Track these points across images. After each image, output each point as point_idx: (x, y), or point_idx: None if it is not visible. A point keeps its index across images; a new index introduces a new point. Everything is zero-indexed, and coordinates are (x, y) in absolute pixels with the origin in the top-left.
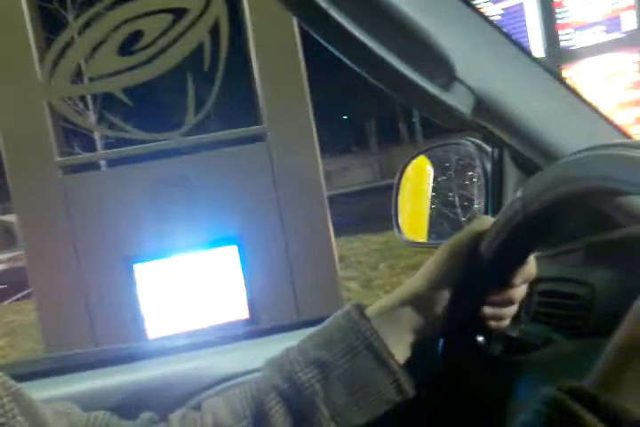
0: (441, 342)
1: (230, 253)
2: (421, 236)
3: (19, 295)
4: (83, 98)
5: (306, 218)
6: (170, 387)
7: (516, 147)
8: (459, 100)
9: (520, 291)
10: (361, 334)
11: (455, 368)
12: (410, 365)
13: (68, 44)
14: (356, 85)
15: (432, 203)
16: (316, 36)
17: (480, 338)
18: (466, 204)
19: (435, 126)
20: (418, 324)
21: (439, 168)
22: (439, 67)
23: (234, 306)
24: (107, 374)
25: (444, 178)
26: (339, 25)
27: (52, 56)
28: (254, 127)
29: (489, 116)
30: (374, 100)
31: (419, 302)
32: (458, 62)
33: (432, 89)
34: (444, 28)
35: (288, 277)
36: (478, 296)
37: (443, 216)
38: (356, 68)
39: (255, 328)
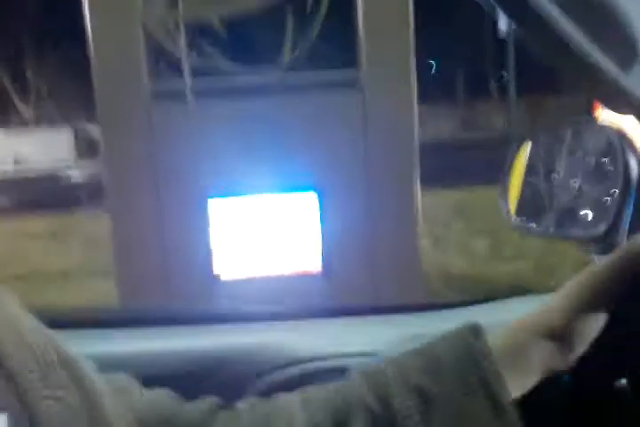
0: (567, 378)
1: (309, 200)
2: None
3: (96, 205)
4: (176, 25)
5: (392, 171)
6: (247, 358)
7: None
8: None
9: None
10: (479, 369)
11: (583, 413)
12: (526, 403)
13: None
14: (448, 34)
15: (532, 188)
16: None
17: (622, 381)
18: (575, 193)
19: (526, 85)
20: (550, 364)
21: (546, 147)
22: (625, 47)
23: (307, 256)
24: (184, 332)
25: (552, 159)
26: None
27: None
28: (350, 70)
29: None
30: (466, 51)
31: (557, 337)
32: None
33: (613, 71)
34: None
35: (366, 230)
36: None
37: (540, 203)
38: (526, 39)
39: (344, 306)
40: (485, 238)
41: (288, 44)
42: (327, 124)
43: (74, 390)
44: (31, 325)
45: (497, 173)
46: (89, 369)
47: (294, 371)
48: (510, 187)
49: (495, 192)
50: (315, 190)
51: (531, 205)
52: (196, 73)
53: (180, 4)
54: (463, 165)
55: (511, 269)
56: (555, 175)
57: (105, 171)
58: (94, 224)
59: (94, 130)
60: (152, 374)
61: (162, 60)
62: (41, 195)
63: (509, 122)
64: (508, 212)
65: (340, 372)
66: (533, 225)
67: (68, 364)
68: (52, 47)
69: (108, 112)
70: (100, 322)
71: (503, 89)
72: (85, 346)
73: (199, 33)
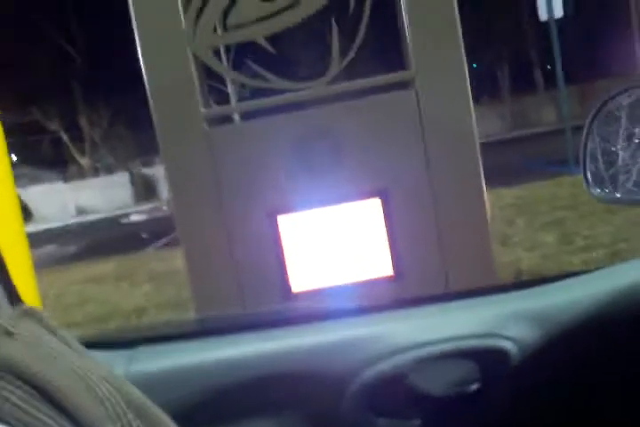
0: None
1: (374, 207)
2: None
3: (159, 244)
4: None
5: (455, 171)
6: (348, 351)
7: None
8: None
9: None
10: None
11: None
12: None
13: None
14: (485, 30)
15: (604, 160)
16: None
17: None
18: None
19: (576, 73)
20: None
21: (610, 121)
22: None
23: (377, 262)
24: (270, 337)
25: (621, 130)
26: None
27: (196, 4)
28: (401, 73)
29: None
30: (507, 44)
31: None
32: None
33: None
34: None
35: (434, 231)
36: None
37: (613, 174)
38: None
39: (425, 295)
40: (552, 232)
41: (336, 54)
42: (384, 128)
43: None
44: (99, 374)
45: (553, 167)
46: (160, 414)
47: (403, 358)
48: (586, 162)
49: (552, 187)
50: (380, 196)
51: (605, 177)
52: (246, 94)
53: (219, 28)
54: (516, 163)
55: (584, 258)
56: (622, 146)
57: (172, 199)
58: (159, 261)
59: (149, 173)
60: (255, 377)
61: (212, 83)
62: (104, 240)
63: (562, 112)
64: (588, 185)
65: (456, 355)
66: (610, 194)
67: (139, 412)
68: (102, 96)
69: (170, 147)
70: (188, 334)
71: (549, 81)
72: (183, 357)
73: (245, 52)
